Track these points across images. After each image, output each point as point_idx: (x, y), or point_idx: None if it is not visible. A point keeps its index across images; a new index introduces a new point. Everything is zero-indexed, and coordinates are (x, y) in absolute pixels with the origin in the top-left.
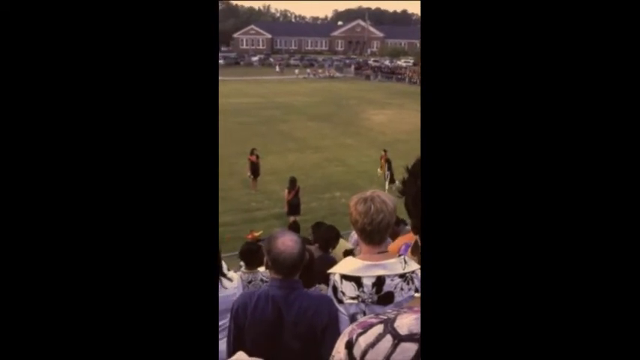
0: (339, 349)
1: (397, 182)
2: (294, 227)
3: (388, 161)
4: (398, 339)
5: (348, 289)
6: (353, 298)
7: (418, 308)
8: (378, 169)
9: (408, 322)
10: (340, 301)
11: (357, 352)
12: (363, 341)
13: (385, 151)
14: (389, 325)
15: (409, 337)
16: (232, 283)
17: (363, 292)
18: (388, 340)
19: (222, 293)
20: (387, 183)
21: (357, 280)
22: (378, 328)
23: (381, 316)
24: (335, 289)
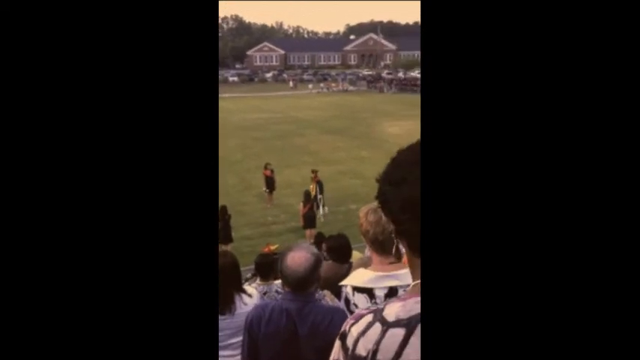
0: (335, 344)
1: (327, 209)
2: (320, 238)
3: (319, 183)
4: (386, 325)
5: (361, 301)
6: None
7: (406, 296)
8: (312, 189)
9: (395, 309)
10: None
11: (349, 341)
12: (354, 330)
13: (315, 171)
14: (378, 314)
15: (396, 323)
16: (252, 299)
17: (376, 303)
18: (377, 327)
19: (241, 309)
20: (321, 208)
21: (369, 292)
22: (368, 317)
23: (372, 307)
24: (347, 302)
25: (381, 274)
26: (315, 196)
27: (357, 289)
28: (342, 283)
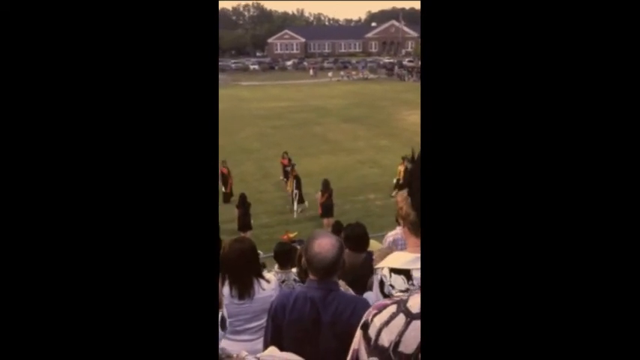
0: (357, 333)
1: (306, 203)
2: (337, 227)
3: (297, 178)
4: (410, 317)
5: (398, 282)
6: (403, 292)
7: None
8: (287, 187)
9: (420, 301)
10: (387, 295)
11: (372, 331)
12: (377, 321)
13: (292, 165)
14: (402, 305)
15: (420, 315)
16: (270, 285)
17: (413, 284)
18: (401, 318)
19: (259, 295)
20: (295, 203)
21: (406, 273)
22: (392, 308)
23: (395, 298)
24: (382, 283)
25: (419, 255)
26: (292, 191)
27: (394, 271)
28: (378, 265)
